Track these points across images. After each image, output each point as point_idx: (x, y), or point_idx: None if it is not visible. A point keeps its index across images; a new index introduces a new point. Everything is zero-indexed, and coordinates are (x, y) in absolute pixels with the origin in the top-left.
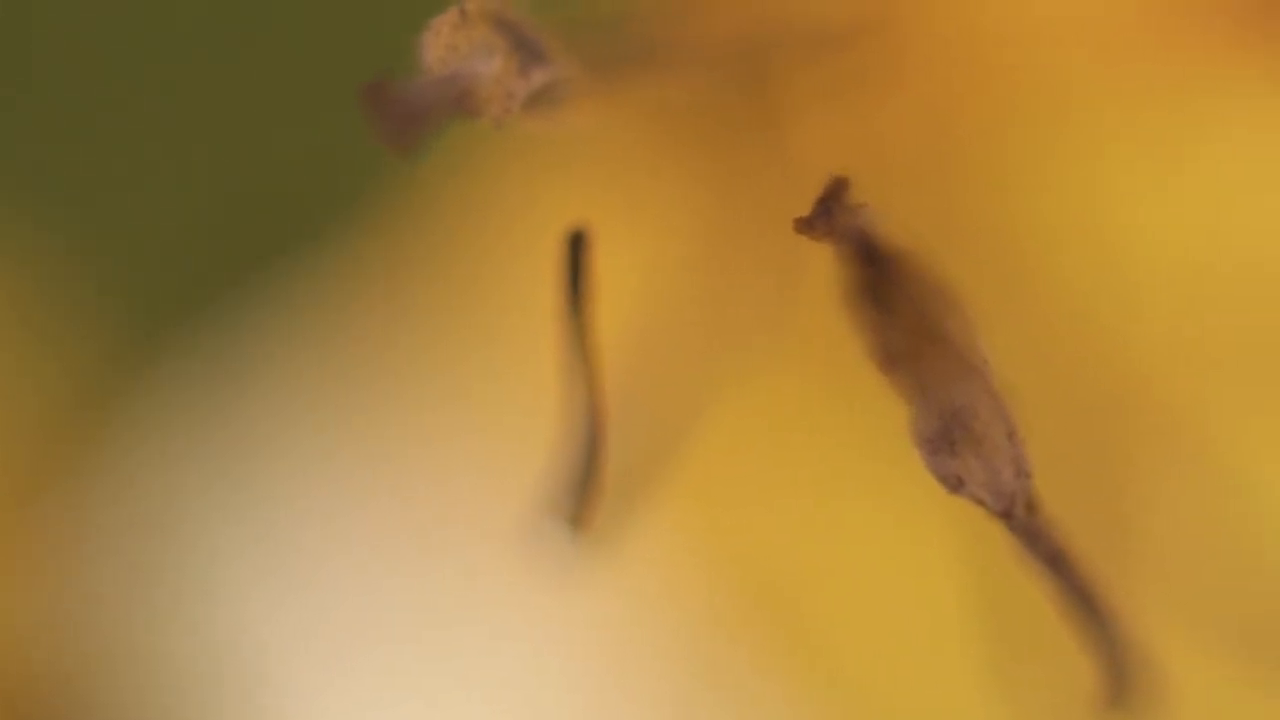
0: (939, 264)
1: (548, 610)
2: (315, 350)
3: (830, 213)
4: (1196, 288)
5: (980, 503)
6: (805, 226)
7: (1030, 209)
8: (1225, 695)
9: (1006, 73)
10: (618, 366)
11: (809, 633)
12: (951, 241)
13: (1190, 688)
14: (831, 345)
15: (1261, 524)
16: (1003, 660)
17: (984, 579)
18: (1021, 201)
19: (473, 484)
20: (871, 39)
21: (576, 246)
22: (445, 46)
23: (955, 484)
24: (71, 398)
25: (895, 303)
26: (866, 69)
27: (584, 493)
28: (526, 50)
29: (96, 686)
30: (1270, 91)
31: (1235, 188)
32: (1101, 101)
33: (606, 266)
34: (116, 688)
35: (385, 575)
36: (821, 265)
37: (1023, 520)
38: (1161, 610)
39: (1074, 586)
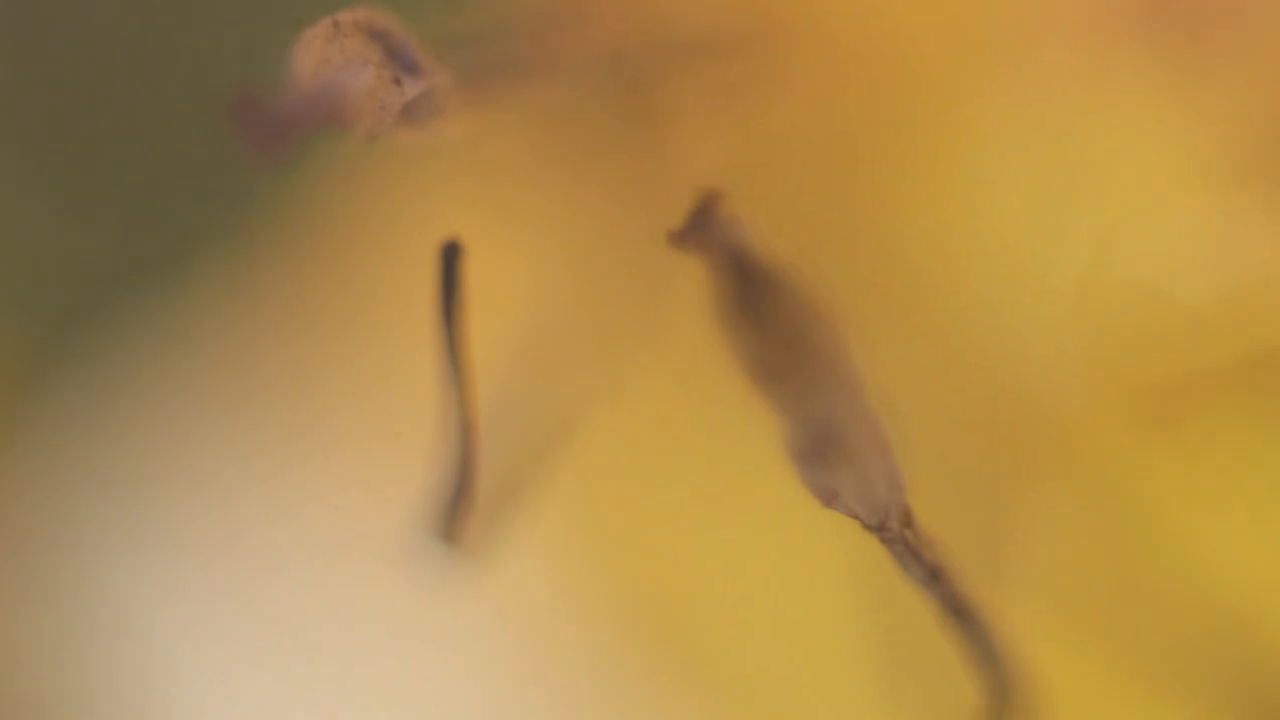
0: (819, 275)
1: (430, 620)
2: (196, 367)
3: (702, 226)
4: (1080, 301)
5: (854, 515)
6: (678, 239)
7: (914, 219)
8: (1103, 706)
9: (892, 80)
10: (493, 376)
11: (689, 642)
12: (834, 251)
13: (1069, 699)
14: (707, 355)
15: (1139, 536)
16: (887, 669)
17: (868, 588)
18: (905, 211)
19: (357, 497)
20: (755, 46)
21: (450, 257)
22: (317, 59)
23: (829, 497)
24: None
25: (766, 318)
26: (749, 77)
27: (457, 506)
28: (399, 61)
29: None
30: (1162, 99)
31: (1123, 201)
32: (988, 110)
33: (480, 277)
34: (6, 704)
35: (271, 587)
36: (696, 276)
37: (897, 534)
38: (1040, 622)
39: (951, 600)
